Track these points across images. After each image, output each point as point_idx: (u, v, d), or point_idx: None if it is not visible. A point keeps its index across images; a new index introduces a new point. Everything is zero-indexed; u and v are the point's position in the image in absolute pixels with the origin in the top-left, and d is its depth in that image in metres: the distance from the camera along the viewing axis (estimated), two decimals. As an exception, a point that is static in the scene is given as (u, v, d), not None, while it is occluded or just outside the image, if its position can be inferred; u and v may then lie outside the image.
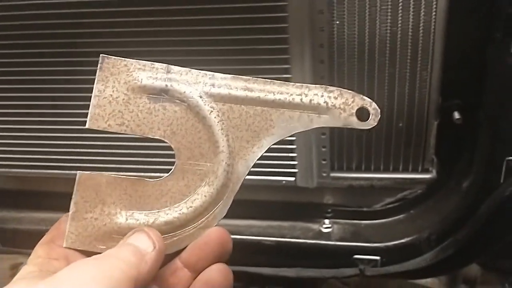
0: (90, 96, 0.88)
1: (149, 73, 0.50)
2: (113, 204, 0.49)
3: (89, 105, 0.89)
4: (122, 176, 0.50)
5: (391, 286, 1.68)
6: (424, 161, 0.89)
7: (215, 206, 0.50)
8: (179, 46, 0.81)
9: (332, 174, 0.91)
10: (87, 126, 0.50)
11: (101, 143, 0.92)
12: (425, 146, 0.87)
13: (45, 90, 0.91)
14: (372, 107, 0.49)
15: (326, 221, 0.96)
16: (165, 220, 0.49)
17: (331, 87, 0.49)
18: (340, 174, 0.92)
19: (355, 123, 0.49)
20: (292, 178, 0.90)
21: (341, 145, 0.89)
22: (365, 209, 0.96)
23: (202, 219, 0.50)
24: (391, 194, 0.94)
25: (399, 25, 0.78)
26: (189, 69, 0.50)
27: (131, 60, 0.50)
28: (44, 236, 0.50)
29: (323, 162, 0.89)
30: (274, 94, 0.49)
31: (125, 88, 0.50)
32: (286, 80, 0.80)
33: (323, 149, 0.88)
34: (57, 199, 1.03)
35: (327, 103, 0.49)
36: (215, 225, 0.51)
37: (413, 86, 0.82)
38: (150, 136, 0.50)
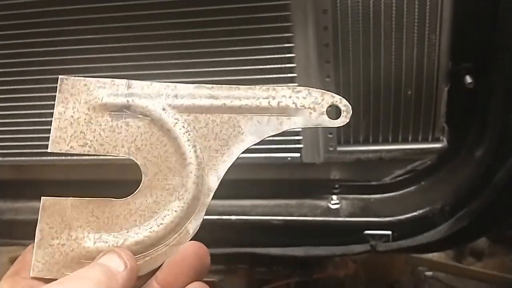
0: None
1: (110, 90, 0.49)
2: (80, 228, 0.48)
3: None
4: (87, 199, 0.49)
5: (399, 261, 1.67)
6: (435, 130, 0.85)
7: (187, 220, 0.48)
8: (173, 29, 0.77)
9: (339, 148, 0.88)
10: (49, 150, 0.49)
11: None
12: (435, 114, 0.84)
13: (39, 75, 0.87)
14: (343, 103, 0.48)
15: (334, 197, 0.93)
16: (135, 240, 0.47)
17: (299, 87, 0.48)
18: (347, 148, 0.88)
19: (326, 121, 0.48)
20: (298, 154, 0.87)
21: (347, 117, 0.86)
22: (374, 183, 0.92)
23: (174, 236, 0.48)
24: (401, 166, 0.90)
25: (405, -14, 0.74)
26: (151, 82, 0.49)
27: (90, 79, 0.50)
28: (9, 270, 0.48)
29: (329, 135, 0.86)
30: (240, 100, 0.49)
31: (86, 108, 0.49)
32: (289, 50, 0.78)
33: (329, 122, 0.84)
34: (55, 187, 1.00)
35: (296, 104, 0.48)
36: (189, 240, 0.48)
37: (421, 51, 0.78)
38: (114, 155, 0.49)
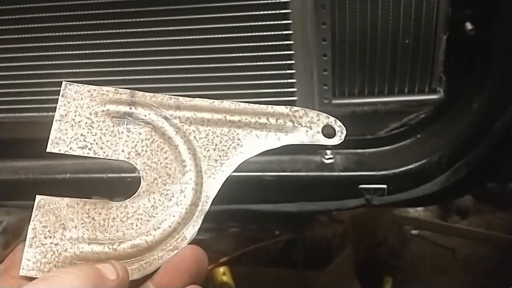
0: (65, 35, 0.82)
1: (113, 98, 0.50)
2: (74, 229, 0.47)
3: (65, 46, 0.83)
4: (84, 199, 0.48)
5: (385, 220, 1.68)
6: (432, 80, 0.83)
7: (185, 226, 0.48)
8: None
9: (334, 101, 0.85)
10: (47, 150, 0.48)
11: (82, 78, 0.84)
12: (433, 64, 0.81)
13: (17, 32, 0.83)
14: (337, 124, 0.50)
15: (328, 151, 0.91)
16: (131, 243, 0.47)
17: (296, 107, 0.50)
18: (342, 101, 0.86)
19: (322, 139, 0.50)
20: (291, 107, 0.84)
21: (342, 67, 0.83)
22: (368, 136, 0.90)
23: (171, 241, 0.47)
24: (396, 119, 0.88)
25: None
26: (154, 94, 0.50)
27: (94, 86, 0.50)
28: None
29: (325, 87, 0.83)
30: (240, 115, 0.50)
31: (88, 113, 0.49)
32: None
33: (325, 73, 0.81)
34: (35, 146, 0.95)
35: (293, 122, 0.50)
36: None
37: (420, -4, 0.75)
38: (113, 158, 0.49)
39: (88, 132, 0.49)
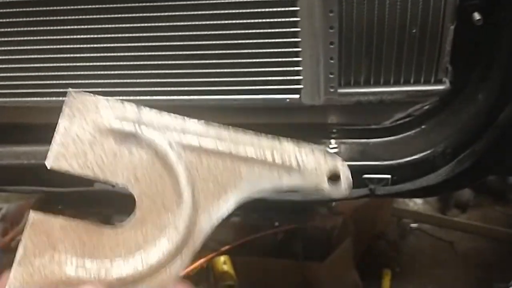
0: (69, 19, 0.81)
1: (119, 113, 0.48)
2: (64, 251, 0.47)
3: (68, 30, 0.82)
4: (77, 221, 0.48)
5: (385, 213, 1.68)
6: (438, 71, 0.83)
7: (173, 263, 0.47)
8: None
9: (340, 90, 0.85)
10: (48, 165, 0.47)
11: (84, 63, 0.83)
12: (440, 54, 0.81)
13: (18, 15, 0.82)
14: (345, 175, 0.48)
15: (332, 141, 0.90)
16: (118, 276, 0.47)
17: (303, 142, 0.48)
18: (348, 90, 0.85)
19: (326, 187, 0.48)
20: (297, 96, 0.83)
21: (349, 56, 0.82)
22: (373, 126, 0.90)
23: (157, 276, 0.47)
24: (402, 109, 0.88)
25: None
26: (160, 112, 0.48)
27: (100, 97, 0.48)
28: None
29: (331, 76, 0.82)
30: (245, 146, 0.48)
31: (92, 128, 0.48)
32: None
33: (331, 61, 0.81)
34: (38, 131, 0.95)
35: (298, 164, 0.48)
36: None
37: (429, -15, 0.75)
38: (112, 181, 0.47)
39: (90, 150, 0.47)
